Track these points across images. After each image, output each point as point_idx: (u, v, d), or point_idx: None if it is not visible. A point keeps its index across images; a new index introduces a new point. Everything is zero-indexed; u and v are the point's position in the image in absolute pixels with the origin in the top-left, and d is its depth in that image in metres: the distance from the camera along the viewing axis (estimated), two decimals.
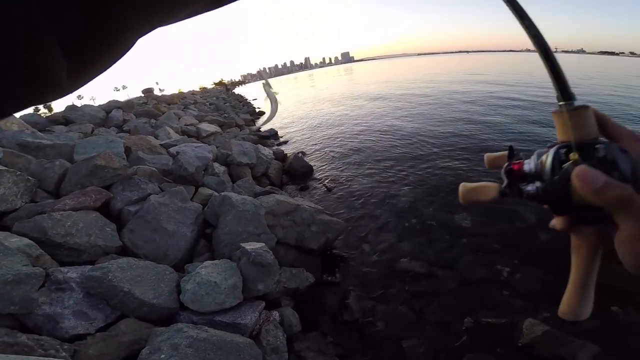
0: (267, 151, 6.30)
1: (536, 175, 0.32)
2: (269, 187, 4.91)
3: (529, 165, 0.33)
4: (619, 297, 2.72)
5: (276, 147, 8.01)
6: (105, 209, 3.04)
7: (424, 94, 16.30)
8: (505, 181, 0.35)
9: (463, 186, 0.38)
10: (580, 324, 2.49)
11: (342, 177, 5.70)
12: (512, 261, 3.26)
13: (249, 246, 2.56)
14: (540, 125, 8.10)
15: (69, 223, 2.50)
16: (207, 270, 2.29)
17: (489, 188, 0.37)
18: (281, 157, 6.69)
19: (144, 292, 2.10)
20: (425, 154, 6.49)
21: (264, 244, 2.76)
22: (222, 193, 3.52)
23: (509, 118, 9.05)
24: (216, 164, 4.78)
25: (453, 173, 5.43)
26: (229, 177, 4.88)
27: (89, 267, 2.22)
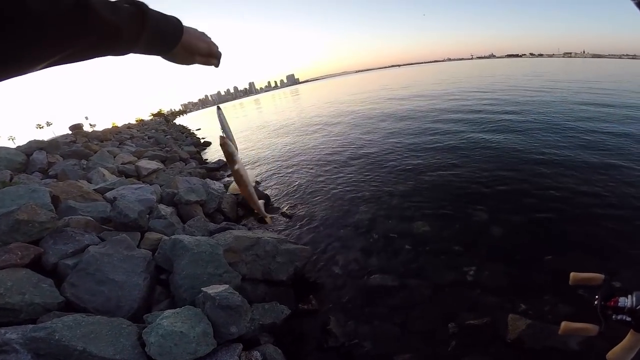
0: (217, 185, 5.96)
1: (631, 311, 0.45)
2: (224, 222, 4.62)
3: (624, 302, 0.46)
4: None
5: (227, 178, 7.66)
6: (36, 265, 2.68)
7: (366, 111, 17.08)
8: (603, 323, 0.48)
9: (564, 325, 0.57)
10: (559, 312, 2.62)
11: (300, 203, 5.59)
12: (475, 260, 3.39)
13: (212, 290, 2.32)
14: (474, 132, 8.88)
15: None
16: (169, 321, 2.05)
17: (589, 330, 0.51)
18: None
19: (102, 349, 1.86)
20: (375, 169, 6.69)
21: (227, 285, 2.54)
22: (172, 237, 3.22)
23: (447, 126, 9.82)
24: (162, 206, 4.38)
25: (405, 185, 5.63)
26: (178, 217, 4.50)
27: (30, 326, 1.96)
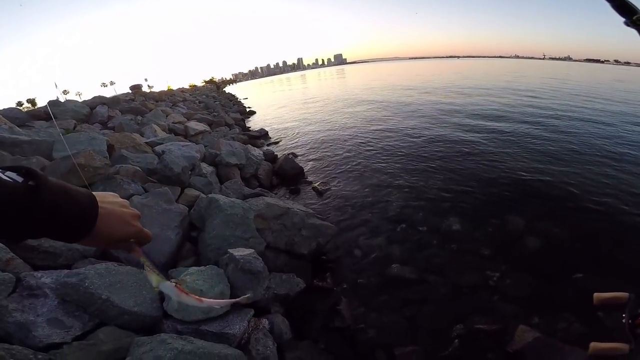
0: (257, 152, 6.21)
1: None
2: (259, 189, 4.81)
3: None
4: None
5: (266, 147, 7.88)
6: None
7: (419, 98, 16.42)
8: (633, 341, 0.46)
9: (593, 346, 0.49)
10: (572, 331, 2.50)
11: (333, 181, 5.65)
12: (501, 267, 3.26)
13: (237, 252, 2.47)
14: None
15: None
16: (192, 278, 2.19)
17: (620, 349, 0.47)
18: (271, 158, 6.59)
19: (124, 300, 1.98)
20: (416, 159, 6.51)
21: (252, 250, 2.68)
22: (210, 195, 3.41)
23: (504, 126, 9.19)
24: (204, 164, 4.66)
25: (444, 178, 5.44)
26: (217, 177, 4.77)
27: (65, 272, 2.08)
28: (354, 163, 6.51)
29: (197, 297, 0.69)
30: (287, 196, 5.12)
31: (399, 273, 3.21)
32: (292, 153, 7.20)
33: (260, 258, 2.57)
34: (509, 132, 8.16)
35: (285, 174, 5.84)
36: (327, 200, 4.88)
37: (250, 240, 3.00)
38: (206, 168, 4.52)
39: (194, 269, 2.35)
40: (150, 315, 2.02)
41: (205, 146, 6.11)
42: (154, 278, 0.64)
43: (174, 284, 0.66)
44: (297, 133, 10.10)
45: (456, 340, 2.47)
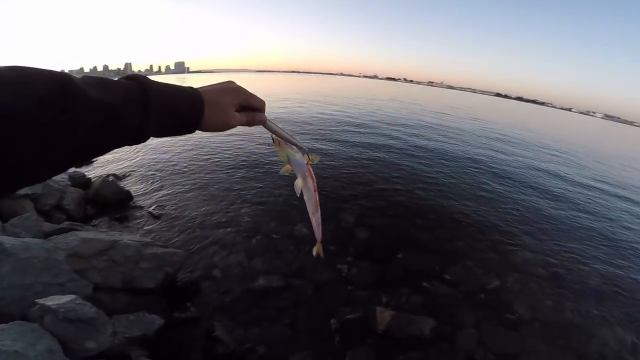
0: (58, 176, 4.69)
1: None
2: (67, 222, 3.63)
3: None
4: (433, 275, 3.62)
5: (73, 170, 6.06)
6: None
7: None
8: None
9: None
10: (412, 302, 3.13)
11: (171, 202, 4.92)
12: (347, 258, 3.74)
13: (52, 301, 1.79)
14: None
15: None
16: None
17: None
18: (82, 182, 5.11)
19: None
20: (257, 167, 6.59)
21: (74, 295, 2.00)
22: None
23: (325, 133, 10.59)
24: None
25: (286, 186, 5.73)
26: None
27: None
28: (194, 179, 5.93)
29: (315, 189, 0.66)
30: (112, 226, 4.10)
31: (266, 284, 3.13)
32: (113, 175, 5.83)
33: (89, 303, 1.94)
34: (328, 142, 9.57)
35: (105, 201, 4.65)
36: (167, 225, 4.21)
37: (67, 284, 2.25)
38: None
39: None
40: None
41: None
42: (282, 154, 0.60)
43: (305, 161, 0.62)
44: (117, 150, 8.27)
45: (336, 334, 2.65)
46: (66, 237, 2.88)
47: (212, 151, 7.84)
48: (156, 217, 4.41)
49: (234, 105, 0.54)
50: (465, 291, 3.41)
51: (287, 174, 0.66)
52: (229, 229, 4.18)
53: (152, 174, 6.14)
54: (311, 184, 0.66)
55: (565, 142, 18.72)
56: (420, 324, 2.78)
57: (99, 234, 3.22)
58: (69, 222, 3.68)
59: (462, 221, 5.03)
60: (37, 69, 0.33)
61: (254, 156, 7.41)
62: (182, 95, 0.46)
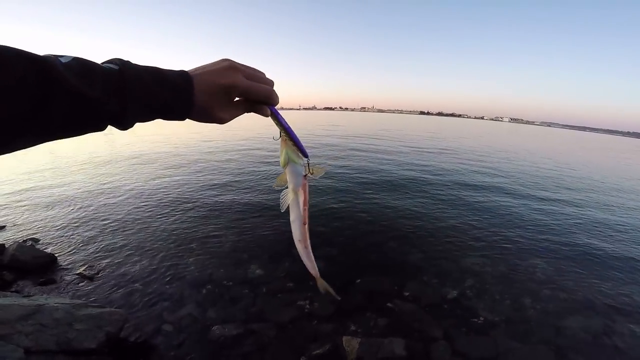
0: None
1: None
2: None
3: None
4: (393, 294, 3.67)
5: None
6: None
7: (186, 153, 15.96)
8: None
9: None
10: (379, 325, 3.11)
11: (104, 260, 4.30)
12: (306, 294, 3.63)
13: None
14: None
15: None
16: None
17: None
18: None
19: None
20: (201, 209, 6.21)
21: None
22: None
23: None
24: None
25: (237, 227, 5.49)
26: None
27: None
28: (125, 230, 5.32)
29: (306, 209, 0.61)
30: (37, 291, 3.43)
31: (222, 333, 2.83)
32: (31, 238, 4.95)
33: None
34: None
35: (25, 267, 3.92)
36: (102, 284, 3.65)
37: None
38: None
39: None
40: None
41: None
42: (283, 154, 0.53)
43: (304, 172, 0.56)
44: (33, 211, 6.97)
45: None
46: None
47: (140, 194, 7.15)
48: (88, 278, 3.82)
49: (230, 92, 0.48)
50: (427, 305, 3.49)
51: (278, 187, 0.59)
52: (173, 282, 3.79)
53: (75, 232, 5.37)
54: (302, 199, 0.60)
55: (479, 146, 20.86)
56: (391, 346, 2.76)
57: (19, 299, 2.74)
58: None
59: (408, 236, 5.28)
60: (17, 49, 0.32)
61: (186, 195, 6.95)
62: (166, 82, 0.43)
